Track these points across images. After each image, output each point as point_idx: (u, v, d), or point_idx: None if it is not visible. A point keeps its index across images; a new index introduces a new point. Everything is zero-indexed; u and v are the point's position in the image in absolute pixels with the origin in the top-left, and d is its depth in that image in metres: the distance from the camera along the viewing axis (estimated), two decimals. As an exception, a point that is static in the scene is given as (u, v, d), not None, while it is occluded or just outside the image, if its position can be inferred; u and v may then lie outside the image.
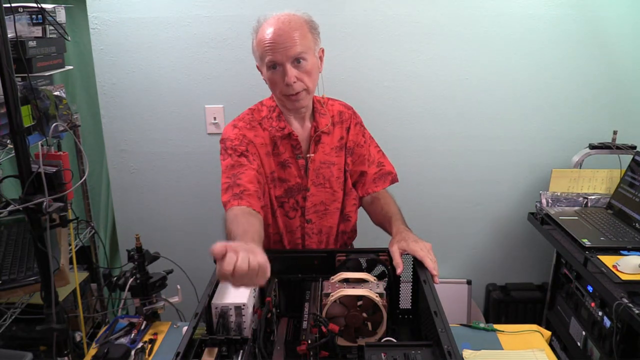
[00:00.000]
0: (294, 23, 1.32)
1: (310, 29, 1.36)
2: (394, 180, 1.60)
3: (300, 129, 1.47)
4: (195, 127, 2.22)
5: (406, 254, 1.29)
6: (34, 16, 1.71)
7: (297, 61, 1.32)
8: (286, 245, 1.50)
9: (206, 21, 2.09)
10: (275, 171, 1.45)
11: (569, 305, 1.91)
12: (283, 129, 1.43)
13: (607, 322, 1.60)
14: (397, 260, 1.25)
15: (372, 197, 1.56)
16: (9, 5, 1.53)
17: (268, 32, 1.31)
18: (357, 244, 1.65)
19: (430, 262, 1.23)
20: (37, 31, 1.73)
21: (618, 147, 2.06)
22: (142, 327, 1.34)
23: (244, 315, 1.13)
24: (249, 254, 0.92)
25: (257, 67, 1.42)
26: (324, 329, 1.08)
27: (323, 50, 1.42)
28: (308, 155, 1.46)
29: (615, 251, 1.66)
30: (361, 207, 1.61)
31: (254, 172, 1.36)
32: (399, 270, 1.25)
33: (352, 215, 1.57)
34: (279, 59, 1.31)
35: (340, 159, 1.51)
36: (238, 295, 1.16)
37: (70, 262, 1.75)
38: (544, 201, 2.09)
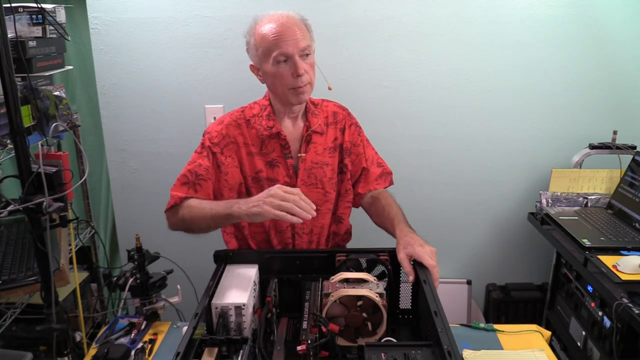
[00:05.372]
0: (295, 19, 1.36)
1: (307, 27, 1.39)
2: (391, 182, 1.62)
3: (292, 128, 1.47)
4: (195, 127, 2.22)
5: None
6: (34, 16, 1.72)
7: (303, 54, 1.35)
8: (275, 245, 1.50)
9: (206, 21, 2.09)
10: (262, 170, 1.45)
11: (569, 305, 1.91)
12: (271, 128, 1.43)
13: (607, 322, 1.60)
14: (408, 269, 1.23)
15: (373, 198, 1.55)
16: (9, 5, 1.54)
17: (271, 27, 1.33)
18: (355, 244, 1.64)
19: (436, 273, 1.21)
20: (37, 31, 1.73)
21: (618, 147, 2.06)
22: (142, 327, 1.34)
23: (244, 315, 1.13)
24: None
25: (252, 66, 1.42)
26: (324, 329, 1.08)
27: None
28: (299, 155, 1.46)
29: (615, 251, 1.66)
30: (361, 209, 1.61)
31: (211, 186, 1.43)
32: (411, 279, 1.23)
33: (345, 217, 1.57)
34: (290, 51, 1.32)
35: (333, 159, 1.51)
36: (238, 295, 1.16)
37: (70, 262, 1.75)
38: (544, 201, 2.09)
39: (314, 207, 1.19)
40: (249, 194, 1.46)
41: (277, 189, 1.21)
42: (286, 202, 1.17)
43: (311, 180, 1.48)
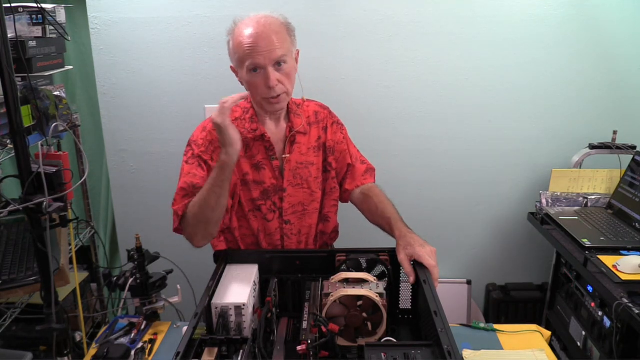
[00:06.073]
0: (274, 26, 1.31)
1: (288, 31, 1.35)
2: (375, 178, 1.60)
3: (275, 129, 1.46)
4: (195, 127, 2.22)
5: None
6: (34, 16, 1.72)
7: (278, 64, 1.31)
8: (265, 247, 1.49)
9: (206, 21, 2.10)
10: (248, 173, 1.44)
11: (569, 305, 1.91)
12: (255, 131, 1.42)
13: (607, 322, 1.60)
14: (408, 270, 1.23)
15: (363, 195, 1.53)
16: (9, 5, 1.54)
17: (248, 34, 1.29)
18: (344, 242, 1.63)
19: (437, 273, 1.21)
20: (37, 31, 1.73)
21: (618, 147, 2.06)
22: (142, 327, 1.34)
23: (244, 315, 1.13)
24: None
25: (232, 68, 1.41)
26: (324, 329, 1.08)
27: (298, 52, 1.41)
28: (284, 156, 1.45)
29: (615, 251, 1.66)
30: (350, 207, 1.60)
31: None
32: (411, 280, 1.23)
33: (332, 216, 1.56)
34: (261, 62, 1.29)
35: (318, 158, 1.50)
36: (238, 296, 1.16)
37: (70, 262, 1.75)
38: (544, 201, 2.09)
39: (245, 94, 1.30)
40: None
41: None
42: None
43: (297, 181, 1.47)
